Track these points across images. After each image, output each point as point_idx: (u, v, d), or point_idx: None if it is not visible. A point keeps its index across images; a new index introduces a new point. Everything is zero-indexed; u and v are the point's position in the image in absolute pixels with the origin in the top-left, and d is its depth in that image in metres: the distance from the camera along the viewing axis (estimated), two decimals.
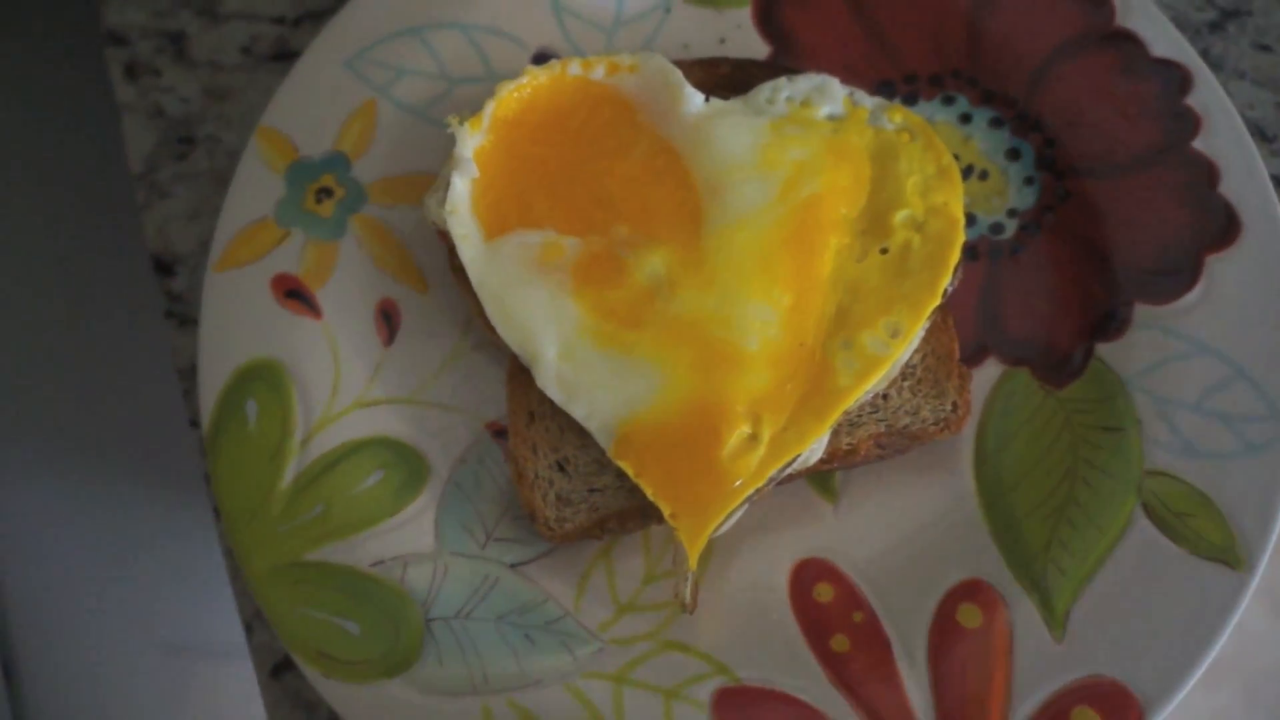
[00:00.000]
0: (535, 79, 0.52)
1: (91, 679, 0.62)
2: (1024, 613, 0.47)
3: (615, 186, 0.51)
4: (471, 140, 0.51)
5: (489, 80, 0.56)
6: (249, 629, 0.53)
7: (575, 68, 0.52)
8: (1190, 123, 0.53)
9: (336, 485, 0.50)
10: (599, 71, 0.52)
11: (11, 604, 0.60)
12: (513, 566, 0.50)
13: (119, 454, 0.65)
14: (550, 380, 0.48)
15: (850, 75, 0.57)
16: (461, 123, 0.51)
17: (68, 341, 0.61)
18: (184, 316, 0.58)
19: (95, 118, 0.62)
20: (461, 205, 0.50)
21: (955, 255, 0.49)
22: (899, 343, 0.48)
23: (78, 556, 0.62)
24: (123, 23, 0.63)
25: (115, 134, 0.61)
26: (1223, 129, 0.53)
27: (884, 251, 0.49)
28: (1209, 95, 0.53)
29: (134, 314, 0.61)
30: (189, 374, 0.57)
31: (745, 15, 0.58)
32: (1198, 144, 0.52)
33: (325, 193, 0.55)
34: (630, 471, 0.47)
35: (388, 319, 0.53)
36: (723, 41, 0.58)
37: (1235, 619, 0.46)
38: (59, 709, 0.60)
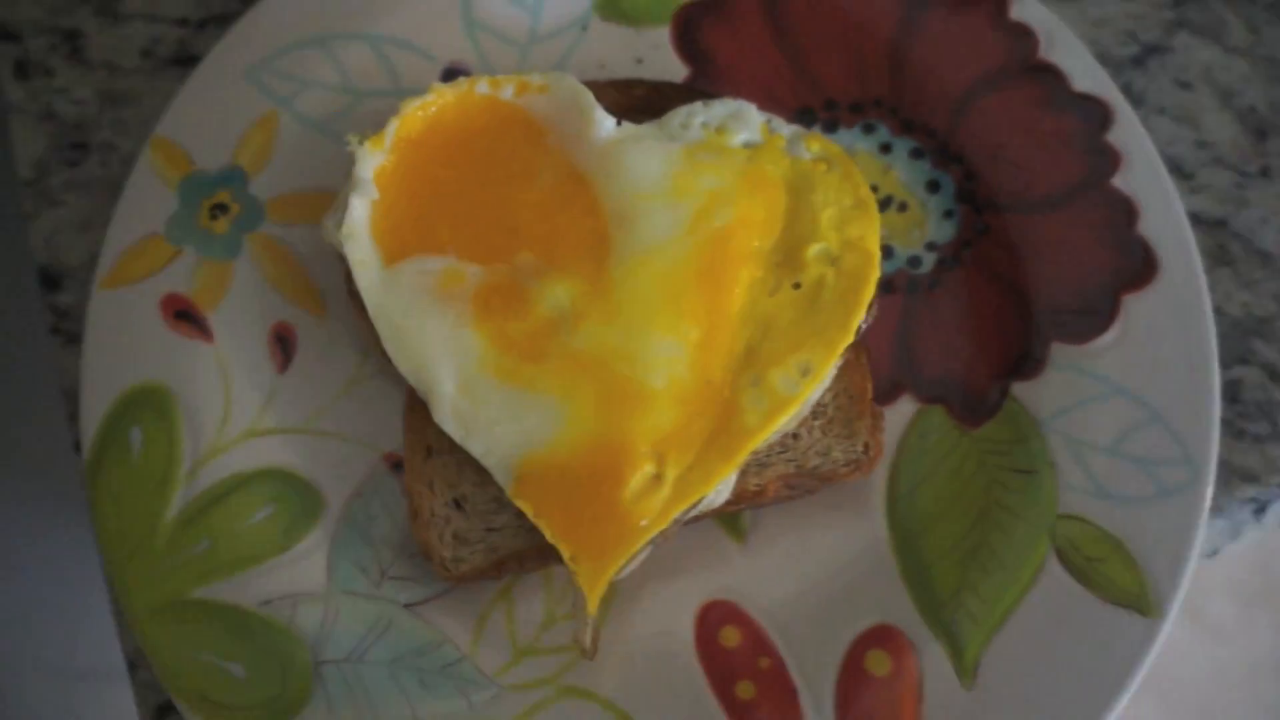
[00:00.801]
0: (441, 97, 0.50)
1: None
2: (934, 659, 0.46)
3: (521, 212, 0.49)
4: (372, 160, 0.49)
5: (396, 95, 0.54)
6: (132, 666, 0.51)
7: (483, 86, 0.50)
8: (1110, 159, 0.52)
9: (225, 519, 0.48)
10: (508, 91, 0.51)
11: None
12: (408, 606, 0.48)
13: (9, 471, 0.61)
14: (447, 415, 0.46)
15: (770, 100, 0.55)
16: (362, 141, 0.49)
17: None
18: (71, 333, 0.55)
19: None
20: (359, 228, 0.48)
21: (870, 292, 0.48)
22: (810, 381, 0.47)
23: None
24: (14, 18, 0.60)
25: (3, 137, 0.58)
26: (1141, 167, 0.52)
27: (797, 286, 0.48)
28: (1129, 132, 0.53)
29: (17, 328, 0.58)
30: (75, 395, 0.54)
31: (664, 35, 0.56)
32: (1117, 181, 0.52)
33: (220, 209, 0.52)
34: (529, 512, 0.45)
35: (283, 343, 0.51)
36: (640, 61, 0.56)
37: (1145, 667, 0.45)
38: None
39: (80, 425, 0.49)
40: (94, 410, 0.49)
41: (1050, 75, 0.54)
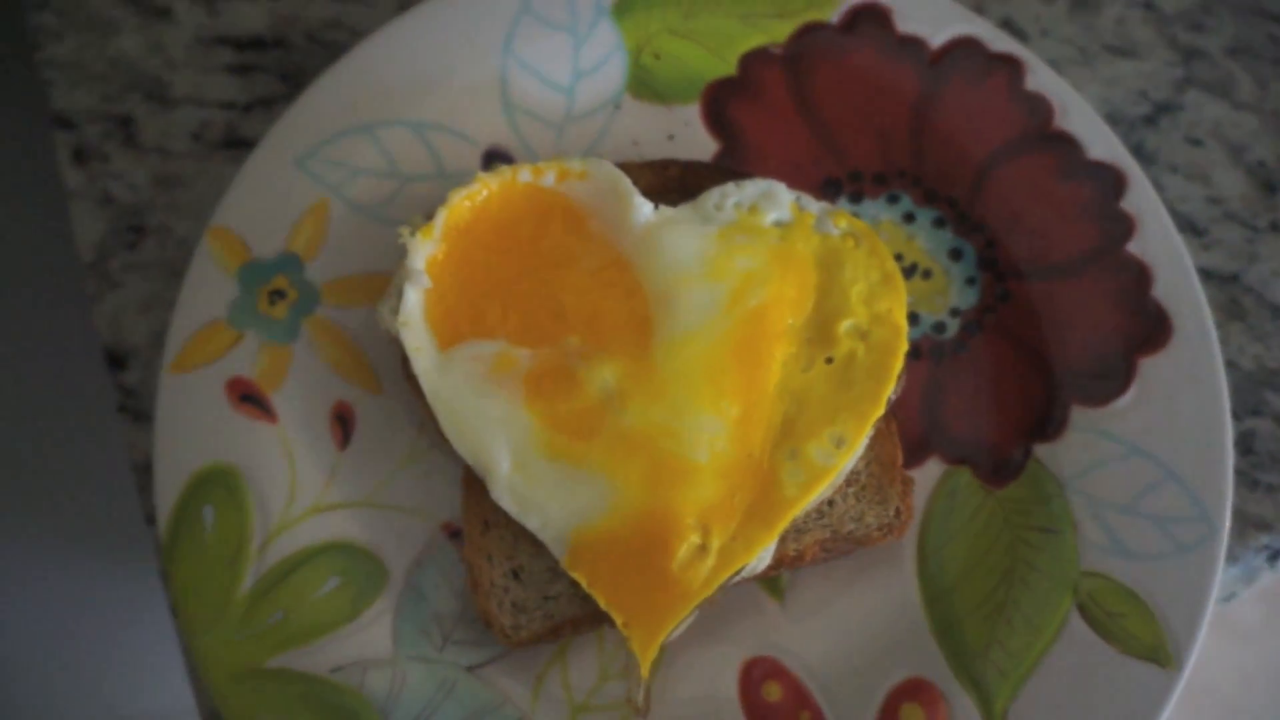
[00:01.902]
0: (486, 186, 0.53)
1: None
2: (964, 711, 0.49)
3: (566, 296, 0.52)
4: (423, 250, 0.51)
5: (440, 178, 0.57)
6: None
7: (526, 174, 0.53)
8: (1124, 225, 0.54)
9: (295, 591, 0.51)
10: (549, 178, 0.53)
11: None
12: (470, 669, 0.51)
13: (75, 538, 0.65)
14: (504, 492, 0.49)
15: (797, 172, 0.58)
16: (413, 233, 0.51)
17: (20, 435, 0.61)
18: (137, 411, 0.58)
19: (43, 205, 0.62)
20: (414, 316, 0.51)
21: (899, 364, 0.50)
22: (844, 452, 0.49)
23: (35, 635, 0.63)
24: (70, 106, 0.63)
25: (64, 222, 0.60)
26: (1154, 231, 0.54)
27: (829, 361, 0.51)
28: (1142, 198, 0.55)
29: (87, 407, 0.61)
30: (143, 468, 0.57)
31: (694, 112, 0.59)
32: (1131, 247, 0.54)
33: (278, 294, 0.55)
34: (583, 582, 0.48)
35: (343, 422, 0.54)
36: (672, 138, 0.59)
37: (1164, 717, 0.48)
38: None
39: (156, 504, 0.52)
40: (168, 490, 0.52)
41: (1065, 144, 0.56)
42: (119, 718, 0.65)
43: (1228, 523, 0.49)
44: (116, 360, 0.59)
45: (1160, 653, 0.48)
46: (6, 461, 0.63)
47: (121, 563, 0.66)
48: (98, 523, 0.64)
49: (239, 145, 0.62)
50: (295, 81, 0.63)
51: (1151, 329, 0.53)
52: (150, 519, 0.57)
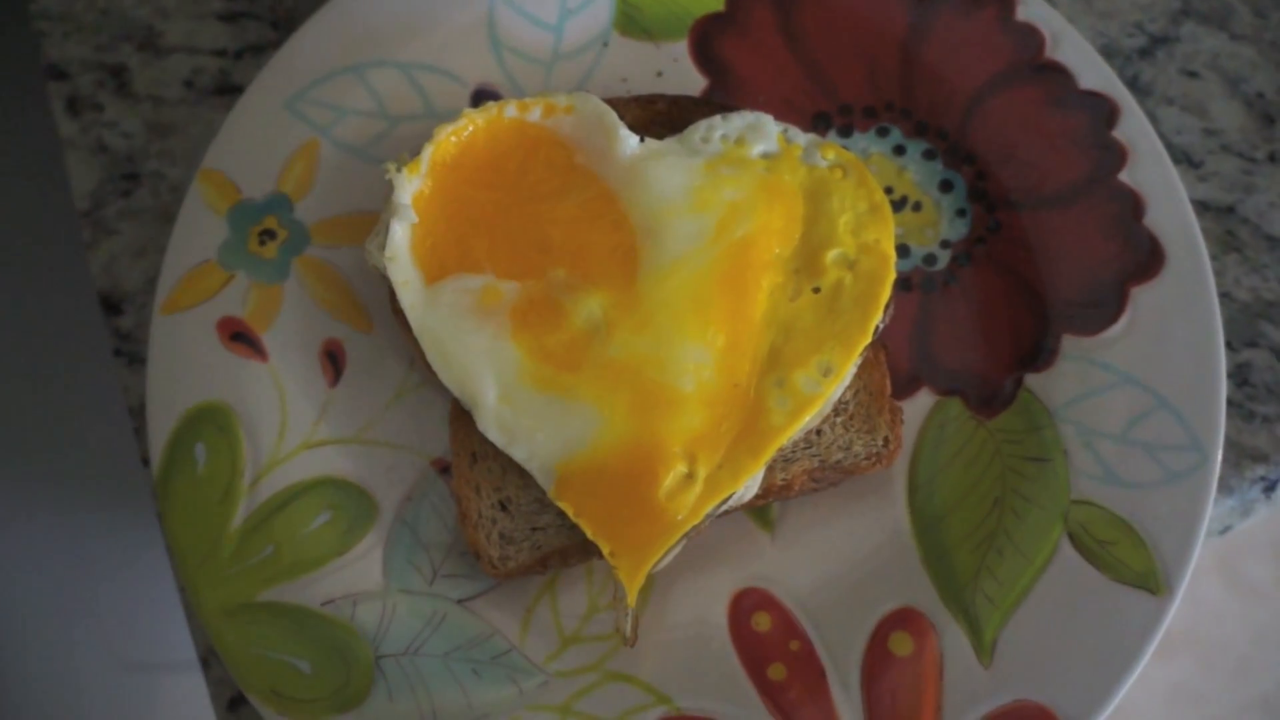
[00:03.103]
0: (472, 122, 0.53)
1: (55, 699, 0.63)
2: (953, 640, 0.49)
3: (553, 229, 0.52)
4: (410, 186, 0.51)
5: (429, 118, 0.57)
6: (205, 663, 0.54)
7: (512, 110, 0.53)
8: (1116, 154, 0.54)
9: (286, 526, 0.51)
10: (535, 113, 0.53)
11: None
12: (459, 602, 0.51)
13: (74, 485, 0.65)
14: (491, 424, 0.49)
15: (787, 107, 0.57)
16: (400, 168, 0.52)
17: (18, 382, 0.62)
18: (132, 354, 0.58)
19: (38, 154, 0.62)
20: (401, 251, 0.51)
21: (886, 293, 0.50)
22: (831, 381, 0.49)
23: (38, 583, 0.63)
24: (63, 57, 0.63)
25: (59, 170, 0.61)
26: (1148, 161, 0.54)
27: (816, 290, 0.50)
28: (1135, 127, 0.54)
29: (83, 351, 0.61)
30: (139, 412, 0.58)
31: (682, 49, 0.59)
32: (1124, 176, 0.54)
33: (268, 234, 0.55)
34: (570, 512, 0.48)
35: (333, 359, 0.54)
36: (660, 74, 0.58)
37: (1155, 643, 0.47)
38: None
39: (149, 443, 0.52)
40: (160, 429, 0.52)
41: (1057, 74, 0.55)
42: (123, 664, 0.65)
43: (1220, 449, 0.49)
44: (112, 306, 0.59)
45: (1151, 579, 0.48)
46: (5, 411, 0.63)
47: (121, 508, 0.67)
48: (97, 468, 0.65)
49: (231, 91, 0.62)
50: (286, 28, 0.63)
51: (1143, 257, 0.52)
52: (147, 461, 0.57)
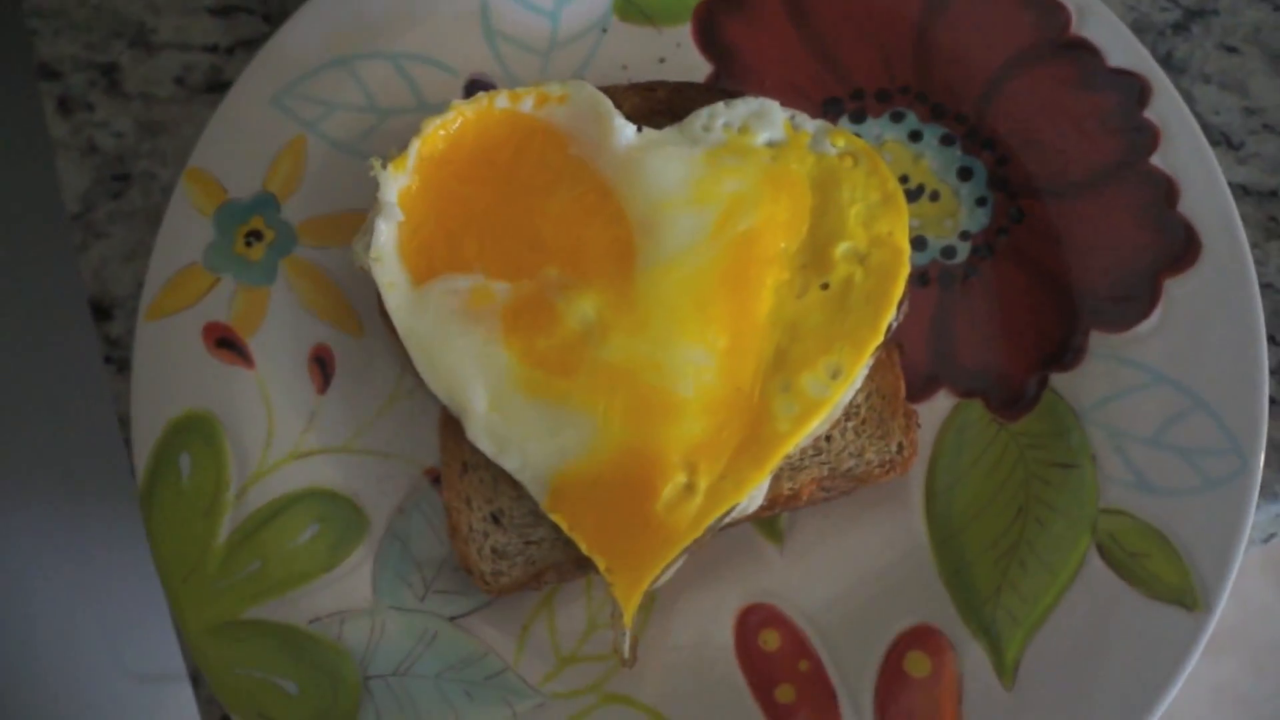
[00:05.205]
0: (461, 114, 0.50)
1: (61, 711, 0.62)
2: (973, 660, 0.46)
3: (545, 226, 0.49)
4: (396, 182, 0.49)
5: (421, 111, 0.54)
6: (195, 681, 0.53)
7: (503, 100, 0.50)
8: (1148, 136, 0.50)
9: (273, 540, 0.49)
10: (527, 104, 0.50)
11: None
12: (452, 619, 0.49)
13: (71, 491, 0.64)
14: (480, 432, 0.47)
15: (796, 92, 0.54)
16: (385, 164, 0.49)
17: (7, 389, 0.61)
18: (123, 361, 0.57)
19: (28, 156, 0.61)
20: (387, 251, 0.49)
21: (899, 289, 0.47)
22: (840, 384, 0.46)
23: (33, 590, 0.62)
24: (55, 55, 0.62)
25: (49, 173, 0.59)
26: (1182, 142, 0.50)
27: (825, 287, 0.48)
28: (1168, 106, 0.51)
29: (72, 358, 0.60)
30: (129, 420, 0.56)
31: (685, 33, 0.56)
32: (1156, 159, 0.50)
33: (255, 235, 0.53)
34: (564, 525, 0.46)
35: (322, 365, 0.52)
36: (663, 61, 0.56)
37: (1191, 664, 0.44)
38: None
39: (134, 454, 0.50)
40: (145, 440, 0.50)
41: (1083, 52, 0.52)
42: (124, 673, 0.64)
43: (1262, 453, 0.46)
44: (101, 311, 0.57)
45: (1186, 595, 0.45)
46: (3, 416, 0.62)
47: (120, 512, 0.65)
48: (86, 477, 0.64)
49: (222, 88, 0.60)
50: (278, 22, 0.61)
51: (1178, 247, 0.49)
52: (134, 470, 0.56)
